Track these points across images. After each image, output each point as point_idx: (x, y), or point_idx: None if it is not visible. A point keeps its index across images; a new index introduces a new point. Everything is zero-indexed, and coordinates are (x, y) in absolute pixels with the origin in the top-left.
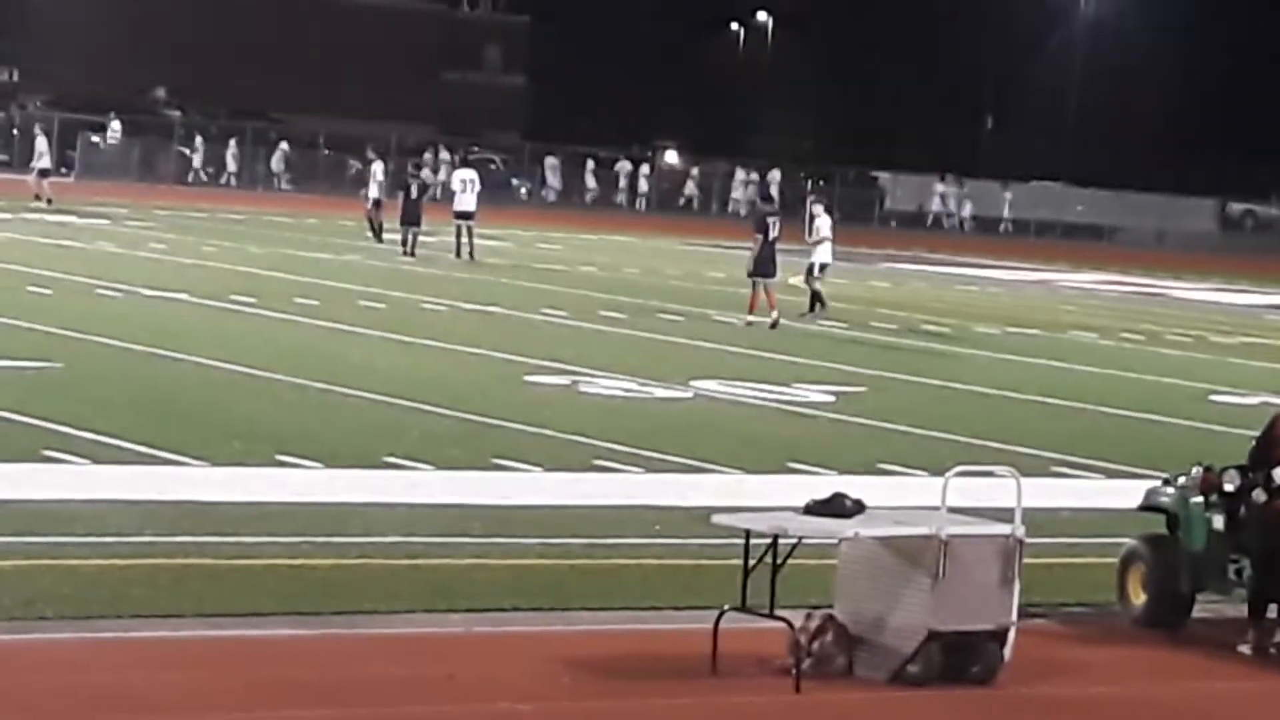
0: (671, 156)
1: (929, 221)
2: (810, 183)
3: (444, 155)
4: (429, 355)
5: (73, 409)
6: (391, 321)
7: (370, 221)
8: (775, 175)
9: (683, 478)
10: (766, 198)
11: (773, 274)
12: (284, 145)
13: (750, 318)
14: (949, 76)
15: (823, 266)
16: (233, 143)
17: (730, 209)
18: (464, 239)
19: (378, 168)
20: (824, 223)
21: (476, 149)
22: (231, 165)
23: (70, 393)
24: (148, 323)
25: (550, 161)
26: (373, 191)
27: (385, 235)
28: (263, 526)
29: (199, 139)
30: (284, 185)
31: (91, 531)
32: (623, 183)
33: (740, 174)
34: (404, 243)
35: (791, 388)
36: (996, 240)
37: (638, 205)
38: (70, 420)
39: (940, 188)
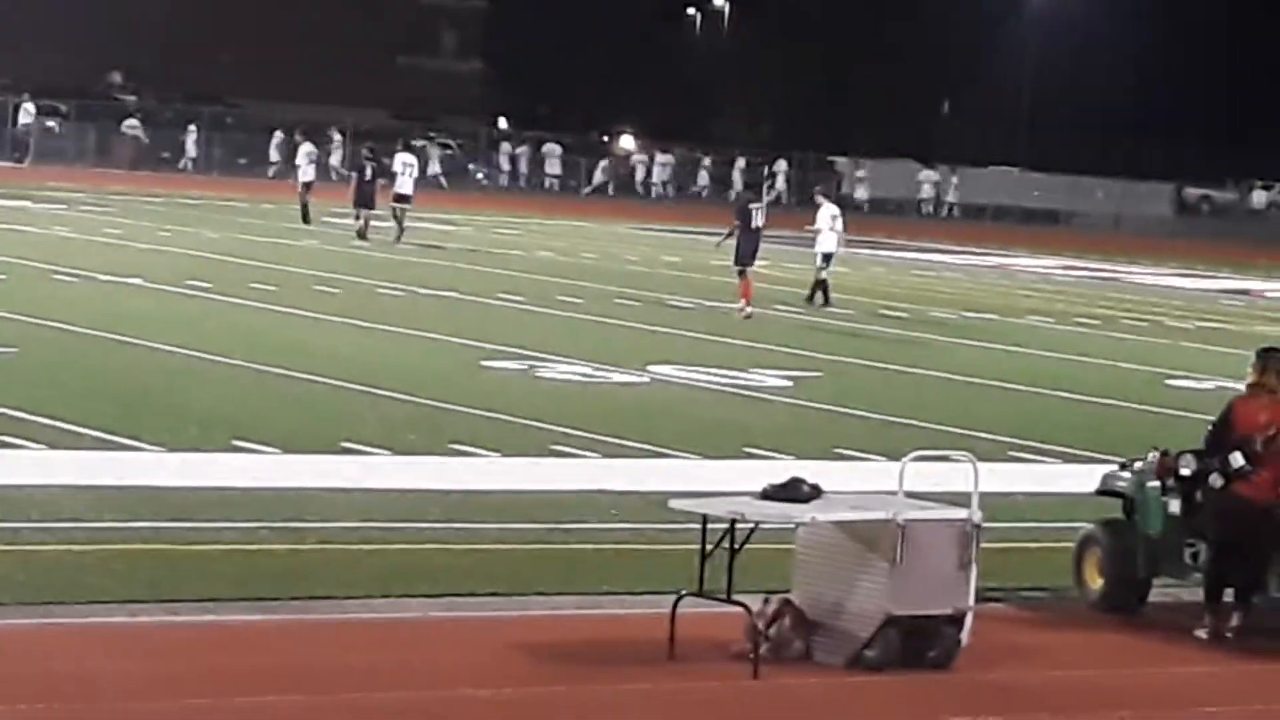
0: (628, 142)
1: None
2: (765, 169)
3: (418, 143)
4: (386, 340)
5: (28, 394)
6: (348, 306)
7: (304, 203)
8: (781, 165)
9: (640, 463)
10: (751, 185)
11: (751, 264)
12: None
13: (748, 309)
14: (906, 62)
15: (825, 256)
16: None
17: (691, 193)
18: (399, 221)
19: (306, 149)
20: (823, 212)
21: (433, 135)
22: (191, 150)
23: (26, 378)
24: (104, 308)
25: (506, 147)
26: (302, 175)
27: (333, 218)
28: (219, 512)
29: (133, 119)
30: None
31: (47, 517)
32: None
33: (705, 160)
34: (358, 223)
35: (748, 373)
36: (953, 225)
37: (596, 191)
38: (26, 405)
39: (925, 174)
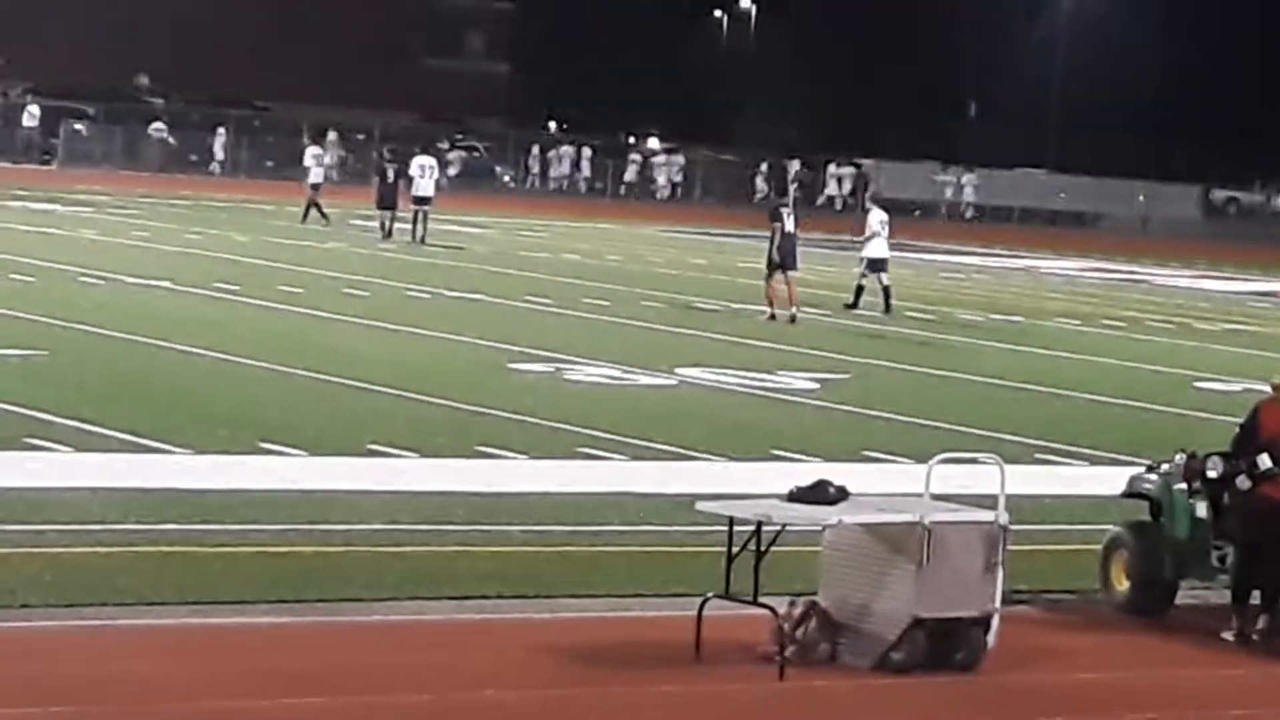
0: (653, 144)
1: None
2: (793, 170)
3: (442, 145)
4: (413, 343)
5: (56, 396)
6: (375, 309)
7: (310, 204)
8: (794, 165)
9: (667, 465)
10: (781, 190)
11: (793, 266)
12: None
13: (771, 310)
14: (932, 64)
15: (869, 262)
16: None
17: (713, 196)
18: (419, 224)
19: (313, 151)
20: (872, 218)
21: (460, 137)
22: (219, 154)
23: (53, 380)
24: (131, 310)
25: (534, 150)
26: (312, 176)
27: (360, 221)
28: (246, 514)
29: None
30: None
31: (74, 519)
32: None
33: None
34: (382, 227)
35: (776, 375)
36: (981, 227)
37: (621, 192)
38: (53, 408)
39: (942, 176)
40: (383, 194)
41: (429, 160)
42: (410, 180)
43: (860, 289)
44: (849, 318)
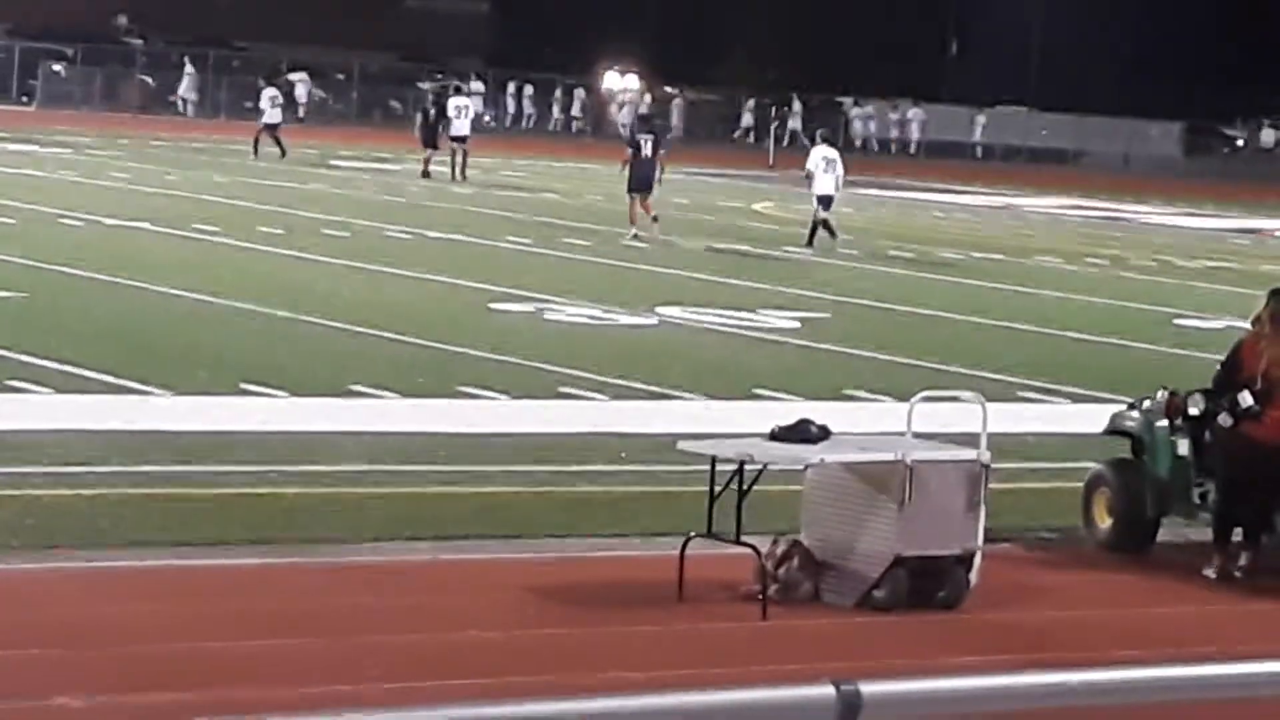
0: (633, 82)
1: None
2: (774, 110)
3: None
4: (394, 283)
5: (36, 339)
6: (356, 250)
7: (259, 140)
8: (797, 107)
9: (648, 405)
10: (645, 119)
11: (648, 189)
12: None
13: (635, 230)
14: (913, 2)
15: (819, 199)
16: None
17: (695, 136)
18: (458, 160)
19: (269, 92)
20: (814, 154)
21: (440, 76)
22: (193, 94)
23: (34, 322)
24: (111, 252)
25: (512, 89)
26: (266, 117)
27: (340, 161)
28: (228, 456)
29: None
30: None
31: (56, 461)
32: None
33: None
34: (425, 164)
35: (756, 314)
36: (961, 165)
37: (605, 131)
38: (34, 350)
39: (895, 115)
40: (425, 134)
41: (465, 101)
42: (448, 121)
43: (816, 225)
44: (830, 256)
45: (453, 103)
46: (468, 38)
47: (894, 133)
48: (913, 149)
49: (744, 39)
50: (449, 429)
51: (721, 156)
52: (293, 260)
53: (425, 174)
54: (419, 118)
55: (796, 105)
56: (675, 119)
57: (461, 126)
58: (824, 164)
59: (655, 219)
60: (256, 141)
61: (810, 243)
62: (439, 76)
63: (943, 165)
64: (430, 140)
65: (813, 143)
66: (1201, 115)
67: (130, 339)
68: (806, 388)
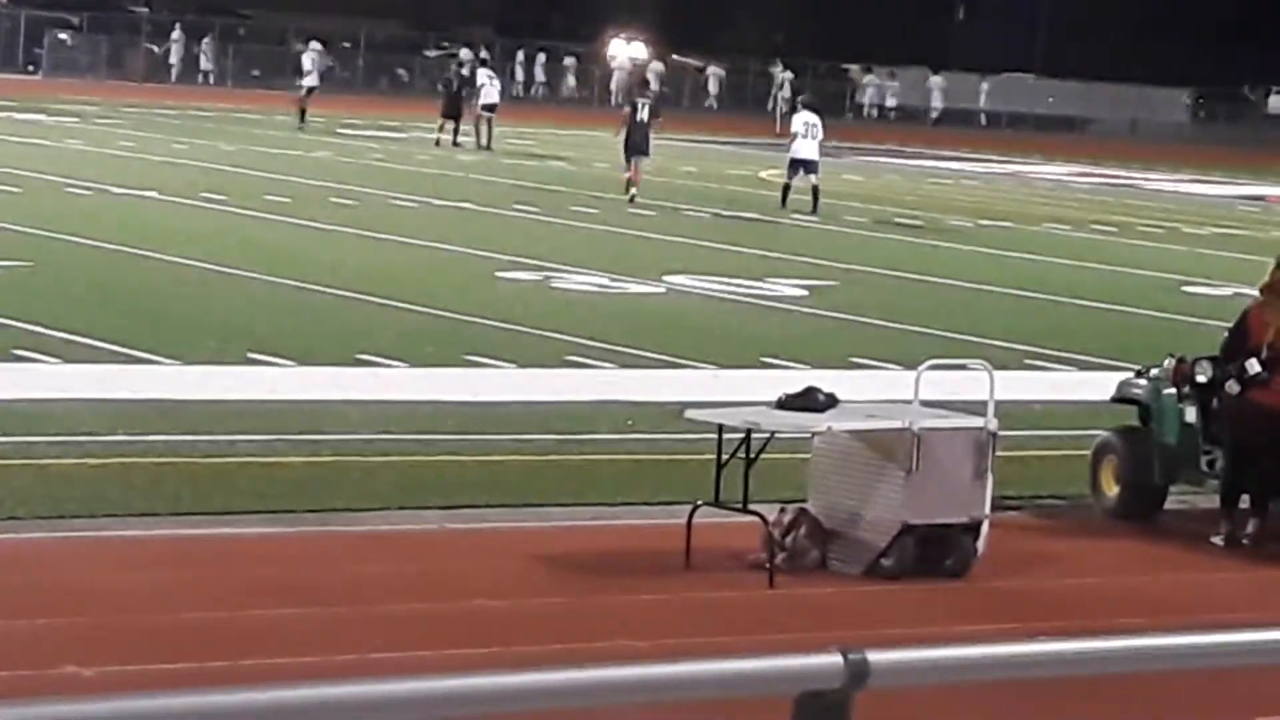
0: (639, 49)
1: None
2: (782, 78)
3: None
4: (401, 252)
5: (43, 308)
6: (363, 218)
7: (300, 109)
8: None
9: (656, 373)
10: (644, 83)
11: (645, 151)
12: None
13: (633, 191)
14: None
15: (792, 162)
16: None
17: (706, 104)
18: (483, 129)
19: (309, 57)
20: (796, 120)
21: (446, 45)
22: (204, 63)
23: (41, 291)
24: (118, 221)
25: (521, 57)
26: (307, 80)
27: (346, 129)
28: (236, 425)
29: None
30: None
31: (64, 431)
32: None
33: (714, 68)
34: (454, 133)
35: (764, 282)
36: (969, 133)
37: (610, 100)
38: (41, 319)
39: (868, 79)
40: (447, 103)
41: (491, 72)
42: (476, 90)
43: (787, 188)
44: (838, 224)
45: (482, 72)
46: (475, 5)
47: (902, 100)
48: (935, 116)
49: (749, 6)
50: (456, 398)
51: (728, 123)
52: (300, 229)
53: (439, 143)
54: (441, 87)
55: (788, 73)
56: (654, 84)
57: (491, 95)
58: (804, 128)
59: (633, 199)
60: (302, 112)
61: (783, 204)
62: (445, 45)
63: (951, 133)
64: (453, 111)
65: (795, 110)
66: (1209, 82)
67: (137, 308)
68: (814, 356)
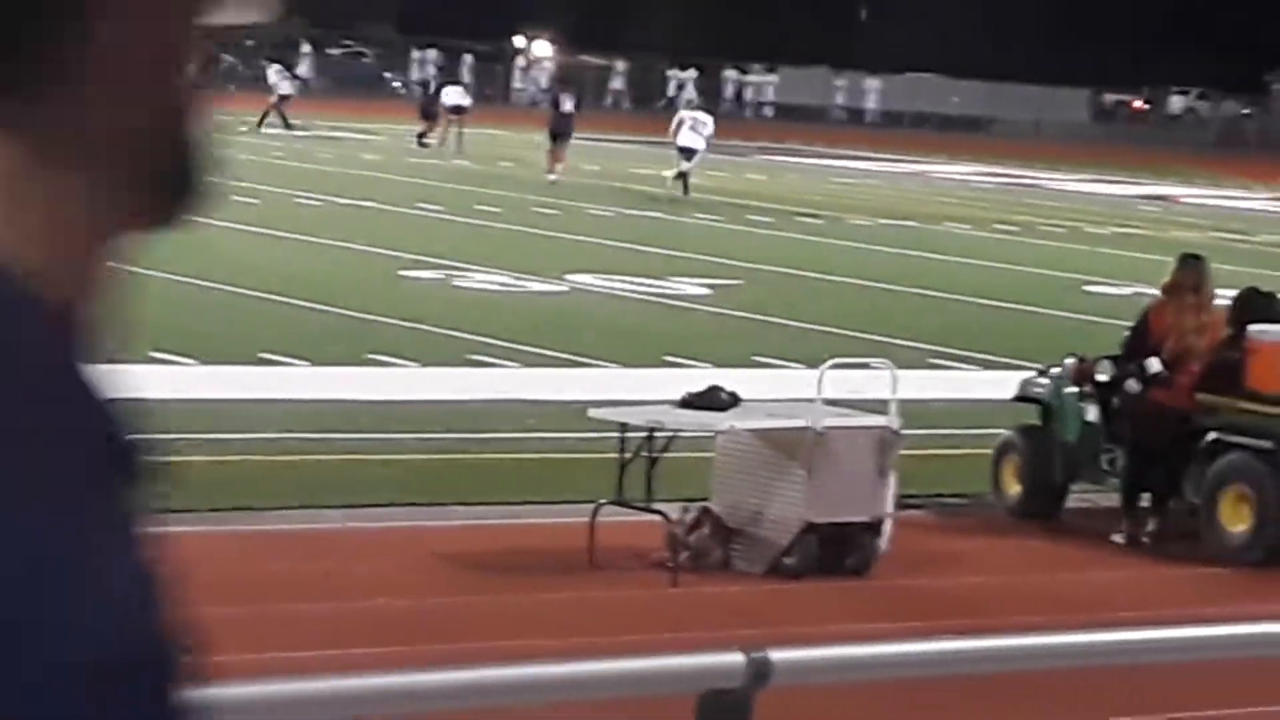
0: (543, 48)
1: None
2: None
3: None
4: (304, 250)
5: None
6: (266, 216)
7: (273, 114)
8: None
9: (559, 372)
10: (564, 80)
11: (568, 135)
12: None
13: (554, 177)
14: None
15: (680, 149)
16: None
17: (610, 102)
18: (458, 131)
19: (275, 67)
20: (681, 114)
21: (348, 43)
22: None
23: None
24: None
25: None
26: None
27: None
28: (137, 423)
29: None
30: None
31: None
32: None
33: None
34: (421, 136)
35: (667, 281)
36: (872, 132)
37: (513, 99)
38: None
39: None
40: (424, 105)
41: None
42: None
43: (682, 175)
44: (741, 223)
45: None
46: (377, 1)
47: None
48: (838, 115)
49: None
50: (359, 396)
51: (632, 122)
52: (203, 227)
53: (422, 144)
54: (419, 90)
55: (690, 72)
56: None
57: (459, 95)
58: (690, 121)
59: (553, 181)
60: (264, 117)
61: (686, 190)
62: (347, 44)
63: (854, 132)
64: (427, 113)
65: (685, 106)
66: (1112, 82)
67: None
68: (717, 355)
